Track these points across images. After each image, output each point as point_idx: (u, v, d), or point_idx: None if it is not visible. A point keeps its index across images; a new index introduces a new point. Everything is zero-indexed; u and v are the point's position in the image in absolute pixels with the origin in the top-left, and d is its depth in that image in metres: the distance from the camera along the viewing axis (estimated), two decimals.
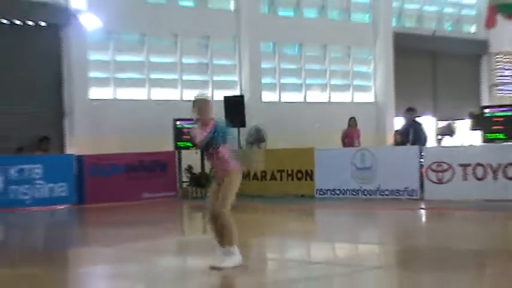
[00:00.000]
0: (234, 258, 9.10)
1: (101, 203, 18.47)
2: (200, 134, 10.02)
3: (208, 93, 23.98)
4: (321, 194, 19.00)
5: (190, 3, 24.05)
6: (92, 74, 21.78)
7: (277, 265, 10.02)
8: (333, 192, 18.85)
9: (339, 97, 27.02)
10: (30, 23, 20.60)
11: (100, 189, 18.81)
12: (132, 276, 9.31)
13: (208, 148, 9.74)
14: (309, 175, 19.39)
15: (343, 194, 18.68)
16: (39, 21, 20.74)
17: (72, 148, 20.87)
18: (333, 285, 8.21)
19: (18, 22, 20.39)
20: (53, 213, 17.61)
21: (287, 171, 19.84)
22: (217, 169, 9.73)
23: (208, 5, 24.28)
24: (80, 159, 19.10)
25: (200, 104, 10.06)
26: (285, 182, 19.85)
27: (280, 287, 8.22)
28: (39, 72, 20.86)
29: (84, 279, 9.52)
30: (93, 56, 21.86)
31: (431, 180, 17.52)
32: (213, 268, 9.01)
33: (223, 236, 9.21)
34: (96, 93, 21.81)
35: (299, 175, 19.63)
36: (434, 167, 17.49)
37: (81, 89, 21.32)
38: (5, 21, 20.16)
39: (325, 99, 26.72)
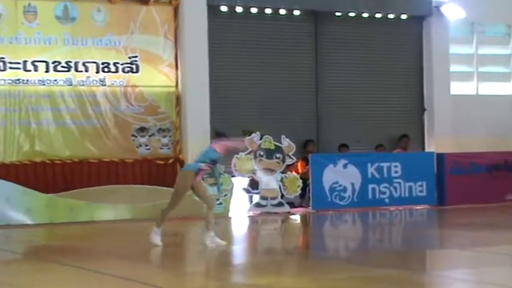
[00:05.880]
0: None
1: (461, 204, 17.98)
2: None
3: None
4: None
5: None
6: (453, 68, 21.19)
7: None
8: None
9: None
10: (390, 16, 20.66)
11: (460, 189, 18.25)
12: (495, 282, 9.01)
13: None
14: None
15: None
16: (400, 14, 20.71)
17: (432, 146, 20.62)
18: None
19: (378, 15, 20.53)
20: (412, 213, 17.66)
21: None
22: None
23: None
24: (440, 157, 18.68)
25: None
26: None
27: None
28: (398, 67, 20.67)
29: (442, 283, 9.37)
30: (455, 49, 21.30)
31: None
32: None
33: None
34: (457, 88, 21.21)
35: None
36: None
37: (441, 84, 20.80)
38: (366, 14, 20.41)
39: None
